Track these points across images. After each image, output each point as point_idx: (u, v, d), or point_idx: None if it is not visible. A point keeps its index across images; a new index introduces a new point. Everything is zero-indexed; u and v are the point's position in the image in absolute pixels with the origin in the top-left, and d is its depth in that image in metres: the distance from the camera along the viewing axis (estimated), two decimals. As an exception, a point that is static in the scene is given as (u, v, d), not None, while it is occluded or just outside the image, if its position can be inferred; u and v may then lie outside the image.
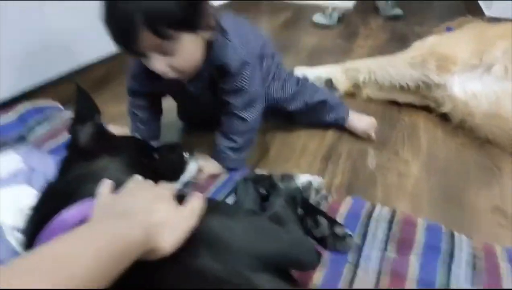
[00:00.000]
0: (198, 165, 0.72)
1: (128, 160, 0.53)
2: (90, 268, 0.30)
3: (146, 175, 0.50)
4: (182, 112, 1.03)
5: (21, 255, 0.30)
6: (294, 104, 0.96)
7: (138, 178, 0.49)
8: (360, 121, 1.03)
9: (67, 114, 0.95)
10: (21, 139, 0.90)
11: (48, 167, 0.74)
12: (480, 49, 1.08)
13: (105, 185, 0.46)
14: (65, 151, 0.59)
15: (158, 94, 0.88)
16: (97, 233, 0.34)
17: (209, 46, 0.71)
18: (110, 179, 0.47)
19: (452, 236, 0.67)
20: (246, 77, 0.76)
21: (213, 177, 0.78)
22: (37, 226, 0.43)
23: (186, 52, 0.67)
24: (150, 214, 0.40)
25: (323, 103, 1.00)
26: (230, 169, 0.82)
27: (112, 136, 0.61)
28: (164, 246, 0.38)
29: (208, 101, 0.83)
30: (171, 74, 0.68)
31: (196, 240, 0.41)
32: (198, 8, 0.65)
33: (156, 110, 0.89)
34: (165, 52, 0.65)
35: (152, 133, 0.89)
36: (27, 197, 0.59)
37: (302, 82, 0.98)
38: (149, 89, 0.83)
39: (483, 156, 0.97)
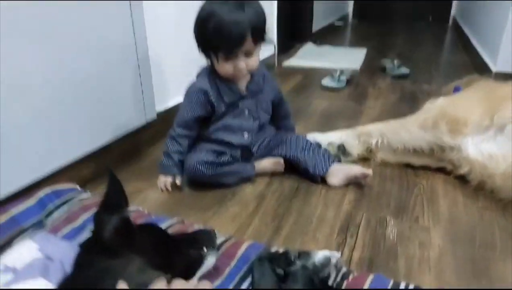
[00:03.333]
0: (216, 258, 0.71)
1: (148, 259, 0.53)
2: None
3: (165, 272, 0.51)
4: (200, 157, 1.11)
5: None
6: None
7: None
8: (349, 168, 1.11)
9: (85, 196, 0.97)
10: (38, 224, 0.91)
11: (65, 255, 0.72)
12: (491, 110, 1.08)
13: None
14: (84, 238, 0.59)
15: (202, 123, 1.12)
16: None
17: None
18: (129, 277, 0.48)
19: (485, 316, 0.62)
20: None
21: (228, 257, 0.77)
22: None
23: (257, 55, 1.04)
24: None
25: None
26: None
27: (136, 231, 0.62)
28: None
29: (255, 112, 1.13)
30: (244, 71, 1.02)
31: None
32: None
33: (191, 142, 1.13)
34: (248, 54, 1.01)
35: (180, 169, 1.10)
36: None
37: None
38: (205, 112, 1.09)
39: (508, 219, 0.93)
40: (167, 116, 1.43)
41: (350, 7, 4.98)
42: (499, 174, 1.00)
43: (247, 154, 1.15)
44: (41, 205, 0.95)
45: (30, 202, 0.96)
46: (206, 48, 1.03)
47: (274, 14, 2.35)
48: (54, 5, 0.96)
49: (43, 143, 1.01)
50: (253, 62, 1.03)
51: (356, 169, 1.10)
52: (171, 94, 1.49)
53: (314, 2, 3.36)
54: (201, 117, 1.09)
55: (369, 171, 1.08)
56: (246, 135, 1.13)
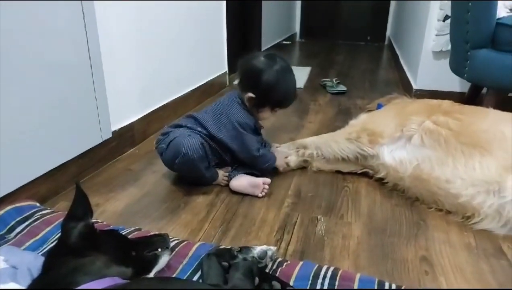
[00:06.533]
0: (169, 257, 0.83)
1: (111, 257, 0.65)
2: None
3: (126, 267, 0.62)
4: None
5: None
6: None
7: None
8: (254, 178, 1.26)
9: (46, 212, 1.04)
10: (1, 238, 0.97)
11: (31, 263, 0.78)
12: (401, 123, 1.31)
13: None
14: (52, 245, 0.69)
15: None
16: None
17: None
18: (97, 271, 0.59)
19: (383, 286, 0.80)
20: None
21: (180, 257, 0.89)
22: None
23: None
24: None
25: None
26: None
27: (99, 235, 0.73)
28: None
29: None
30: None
31: None
32: None
33: None
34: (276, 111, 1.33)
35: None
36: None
37: None
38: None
39: (413, 213, 1.14)
40: (122, 134, 1.53)
41: (297, 26, 5.32)
42: (407, 176, 1.21)
43: (223, 164, 1.32)
44: (2, 222, 1.01)
45: (-9, 219, 1.01)
46: (268, 101, 1.28)
47: (223, 34, 2.51)
48: (11, 24, 1.02)
49: (3, 165, 1.06)
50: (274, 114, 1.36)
51: (259, 179, 1.25)
52: (126, 113, 1.59)
53: (263, 21, 3.59)
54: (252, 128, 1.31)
55: (268, 180, 1.25)
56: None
